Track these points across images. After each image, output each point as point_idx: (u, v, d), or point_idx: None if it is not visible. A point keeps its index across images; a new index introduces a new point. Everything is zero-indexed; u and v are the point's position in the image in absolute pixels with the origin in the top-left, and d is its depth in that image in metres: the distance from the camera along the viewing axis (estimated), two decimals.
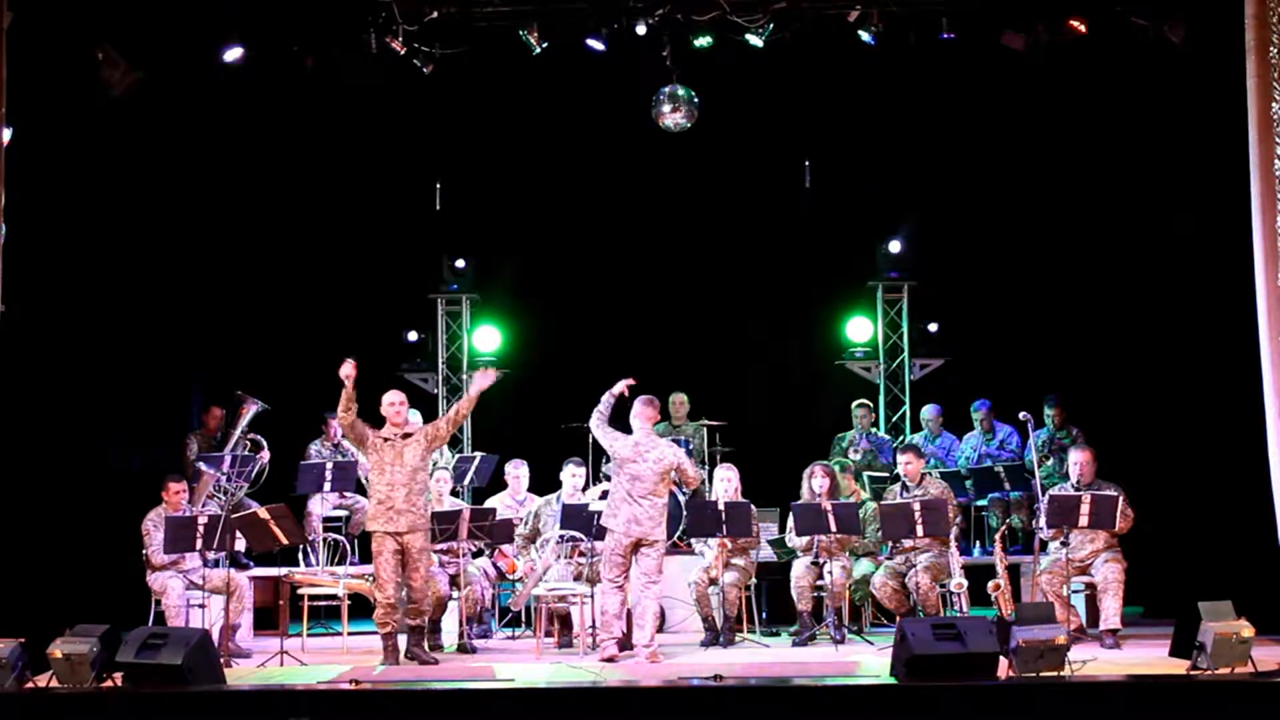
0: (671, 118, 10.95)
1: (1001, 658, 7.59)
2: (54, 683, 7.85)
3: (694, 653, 9.52)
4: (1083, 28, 10.27)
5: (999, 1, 10.45)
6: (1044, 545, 9.44)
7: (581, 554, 9.59)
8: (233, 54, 10.54)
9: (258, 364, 11.94)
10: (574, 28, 10.68)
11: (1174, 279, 11.03)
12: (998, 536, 9.82)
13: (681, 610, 10.52)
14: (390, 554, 8.95)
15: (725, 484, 9.94)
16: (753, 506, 9.90)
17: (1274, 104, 9.18)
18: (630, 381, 9.12)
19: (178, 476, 9.99)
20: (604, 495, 9.79)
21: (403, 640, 9.16)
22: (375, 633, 9.50)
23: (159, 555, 9.48)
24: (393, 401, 9.16)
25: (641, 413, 9.13)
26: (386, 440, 9.04)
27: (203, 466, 10.85)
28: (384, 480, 9.00)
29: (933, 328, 12.94)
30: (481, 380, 9.17)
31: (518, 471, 10.70)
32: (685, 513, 10.66)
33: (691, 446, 11.62)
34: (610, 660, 8.78)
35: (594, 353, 12.56)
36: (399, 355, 12.95)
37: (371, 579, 10.10)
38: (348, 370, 8.91)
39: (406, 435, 9.08)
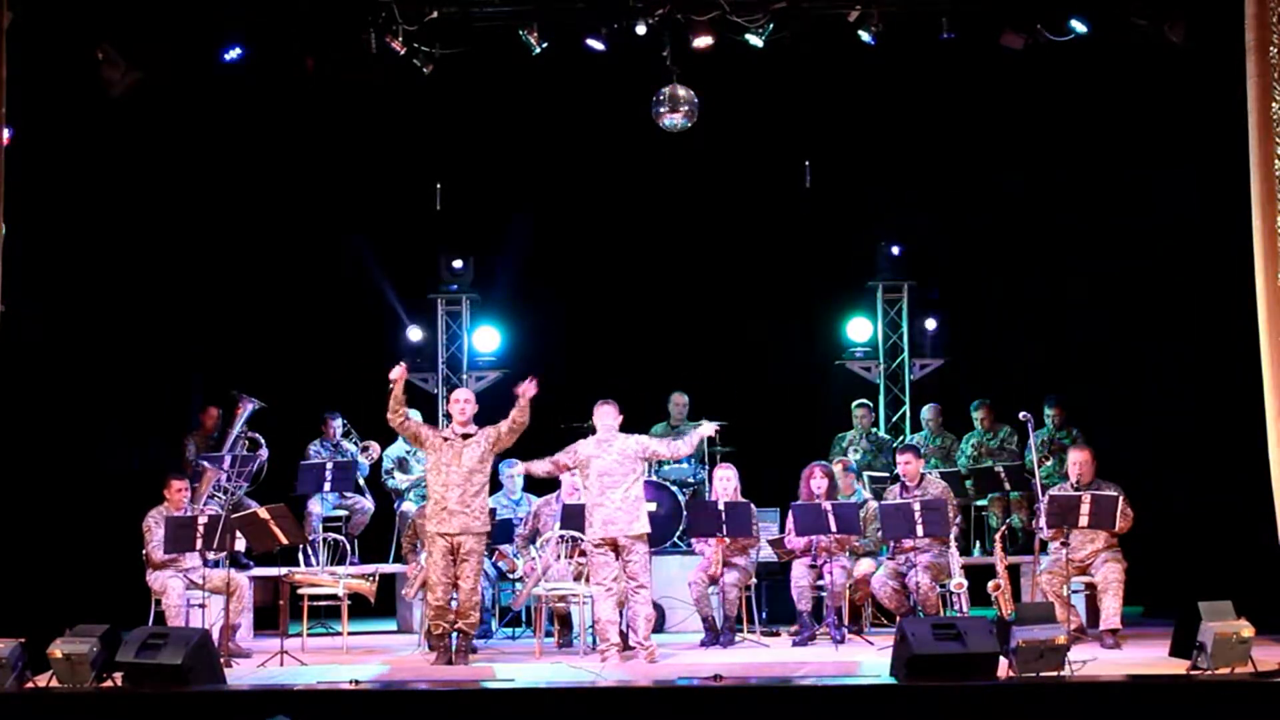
0: (671, 118, 10.93)
1: (1001, 658, 7.59)
2: (54, 683, 7.85)
3: (694, 653, 9.52)
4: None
5: (999, 1, 10.46)
6: (1044, 545, 9.44)
7: (582, 554, 9.58)
8: (233, 54, 10.54)
9: (257, 363, 11.94)
10: (574, 28, 10.68)
11: (1174, 279, 11.03)
12: (998, 536, 9.82)
13: (681, 610, 10.51)
14: (440, 555, 8.85)
15: (725, 484, 9.93)
16: (753, 506, 9.90)
17: (1274, 104, 9.17)
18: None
19: (180, 475, 10.00)
20: None
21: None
22: (375, 633, 9.55)
23: (159, 552, 9.48)
24: (458, 399, 9.15)
25: (606, 413, 9.10)
26: (446, 440, 8.96)
27: (205, 464, 10.86)
28: (439, 480, 8.92)
29: (932, 327, 12.93)
30: (529, 388, 9.11)
31: (512, 471, 10.69)
32: (685, 513, 10.68)
33: None
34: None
35: (594, 353, 12.59)
36: (399, 355, 12.92)
37: (371, 579, 10.12)
38: (397, 373, 8.97)
39: (467, 436, 8.98)
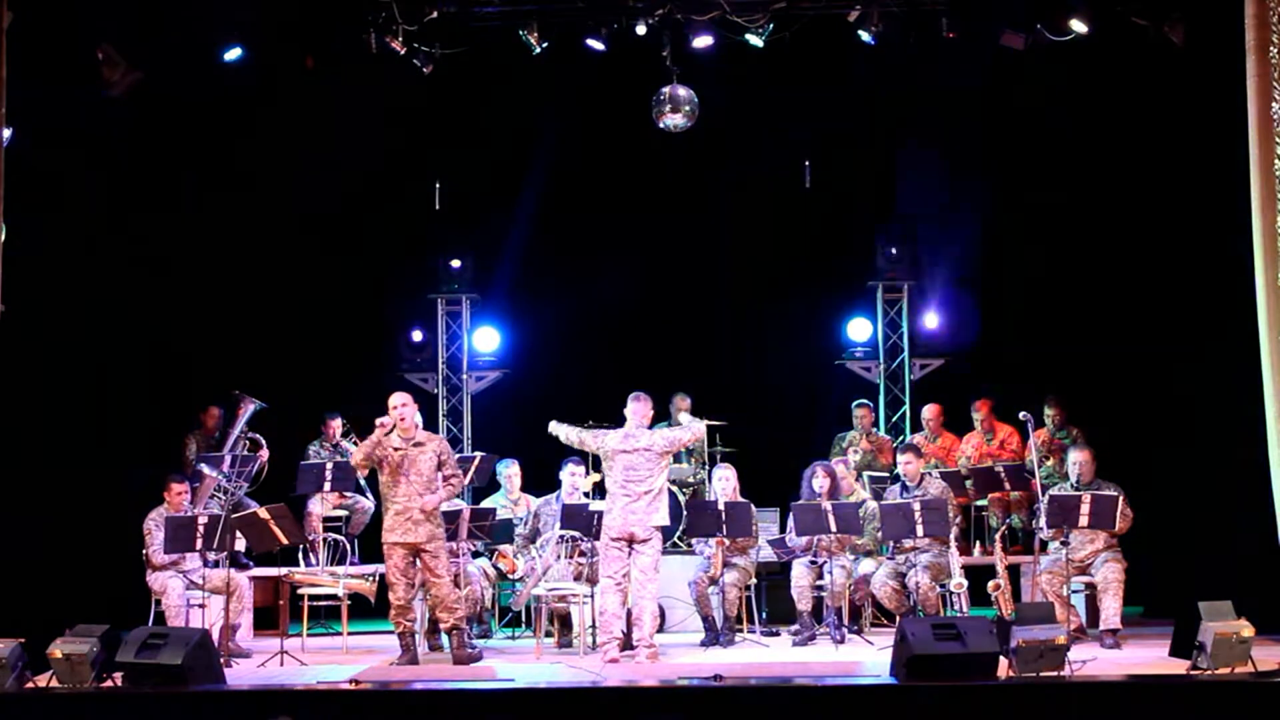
0: (671, 118, 10.94)
1: (1001, 658, 7.59)
2: (54, 683, 7.86)
3: (694, 653, 9.52)
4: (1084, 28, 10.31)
5: (999, 1, 10.45)
6: (1044, 545, 9.44)
7: (582, 554, 9.59)
8: (233, 54, 10.54)
9: (258, 363, 11.93)
10: (574, 28, 10.69)
11: (1174, 278, 11.03)
12: (998, 536, 9.82)
13: (681, 610, 10.52)
14: (399, 558, 8.84)
15: (723, 484, 9.93)
16: (753, 506, 9.90)
17: (1274, 104, 9.17)
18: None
19: (180, 477, 10.00)
20: (596, 485, 9.79)
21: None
22: (375, 633, 9.52)
23: (159, 555, 9.49)
24: (395, 405, 8.93)
25: (636, 409, 9.11)
26: (397, 449, 8.88)
27: (205, 469, 10.85)
28: (400, 491, 8.85)
29: (932, 326, 12.92)
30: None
31: (510, 471, 10.69)
32: (685, 513, 10.67)
33: (692, 447, 11.62)
34: (613, 662, 8.74)
35: (594, 353, 12.58)
36: (399, 355, 12.94)
37: (371, 579, 10.12)
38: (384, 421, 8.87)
39: (418, 444, 8.94)
